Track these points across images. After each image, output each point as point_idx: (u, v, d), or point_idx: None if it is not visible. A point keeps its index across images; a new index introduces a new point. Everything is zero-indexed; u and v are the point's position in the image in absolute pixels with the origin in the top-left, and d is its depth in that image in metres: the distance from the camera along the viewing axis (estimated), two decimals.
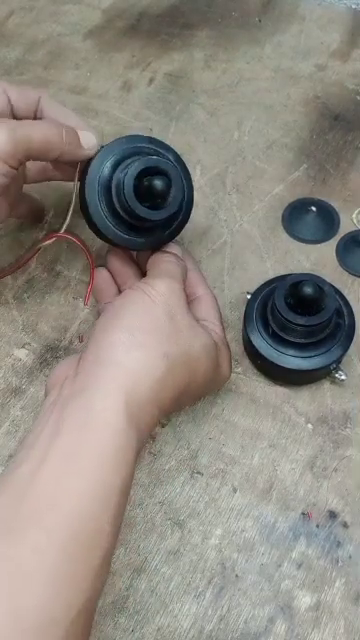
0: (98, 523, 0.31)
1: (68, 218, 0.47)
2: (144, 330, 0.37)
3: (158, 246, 0.46)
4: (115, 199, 0.43)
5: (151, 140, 0.45)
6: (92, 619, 0.31)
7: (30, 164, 0.49)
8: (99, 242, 0.47)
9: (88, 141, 0.43)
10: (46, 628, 0.28)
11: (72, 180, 0.47)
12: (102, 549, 0.31)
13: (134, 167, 0.42)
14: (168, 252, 0.45)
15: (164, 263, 0.43)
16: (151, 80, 0.68)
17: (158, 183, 0.41)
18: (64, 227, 0.48)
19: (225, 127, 0.63)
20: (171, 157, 0.45)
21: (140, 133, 0.45)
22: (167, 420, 0.46)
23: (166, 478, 0.43)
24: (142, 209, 0.42)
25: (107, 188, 0.43)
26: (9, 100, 0.45)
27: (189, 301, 0.45)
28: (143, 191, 0.42)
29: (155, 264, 0.44)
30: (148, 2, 0.77)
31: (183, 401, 0.40)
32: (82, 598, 0.30)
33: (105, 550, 0.31)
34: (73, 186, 0.45)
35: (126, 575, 0.40)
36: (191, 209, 0.46)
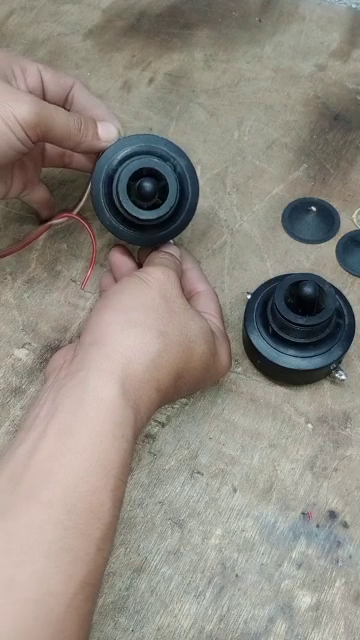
0: (96, 497, 0.31)
1: (82, 201, 0.48)
2: (139, 310, 0.38)
3: (151, 244, 0.46)
4: (114, 191, 0.44)
5: (167, 143, 0.45)
6: (95, 596, 0.31)
7: (50, 147, 0.50)
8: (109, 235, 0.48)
9: (108, 133, 0.45)
10: (43, 600, 0.28)
11: (87, 171, 0.49)
12: (103, 522, 0.31)
13: (133, 165, 0.43)
14: (164, 251, 0.46)
15: (159, 258, 0.44)
16: (151, 80, 0.68)
17: (147, 185, 0.42)
18: (77, 209, 0.49)
19: (225, 127, 0.63)
20: (183, 163, 0.45)
21: (158, 134, 0.46)
22: (167, 420, 0.46)
23: (166, 478, 0.43)
24: (130, 205, 0.43)
25: (110, 179, 0.44)
26: (42, 81, 0.46)
27: (189, 297, 0.45)
28: (135, 190, 0.43)
29: (150, 259, 0.45)
30: (148, 2, 0.77)
31: (181, 387, 0.40)
32: (83, 571, 0.30)
33: (106, 524, 0.31)
34: (91, 171, 0.46)
35: (126, 575, 0.40)
36: (192, 216, 0.46)
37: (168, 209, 0.43)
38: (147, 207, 0.43)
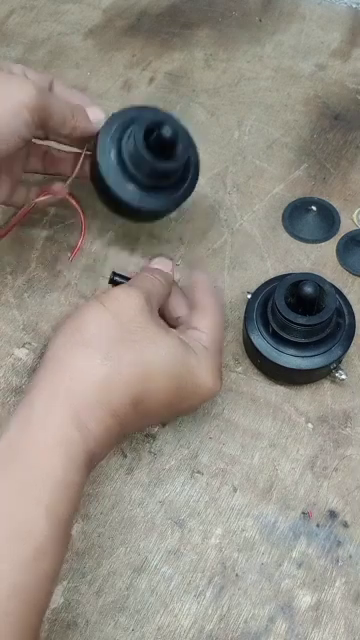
0: (28, 512, 0.32)
1: (69, 181, 0.49)
2: (89, 332, 0.37)
3: (165, 208, 0.48)
4: (126, 156, 0.45)
5: (157, 110, 0.48)
6: (38, 609, 0.31)
7: (33, 148, 0.51)
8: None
9: (97, 115, 0.47)
10: None
11: (67, 175, 0.50)
12: (34, 538, 0.31)
13: (143, 120, 0.45)
14: (152, 268, 0.45)
15: (137, 278, 0.43)
16: (151, 79, 0.68)
17: (167, 130, 0.44)
18: (64, 186, 0.50)
19: (225, 126, 0.63)
20: (179, 125, 0.47)
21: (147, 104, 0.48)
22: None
23: (166, 477, 0.43)
24: (150, 156, 0.44)
25: (118, 150, 0.46)
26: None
27: (191, 311, 0.44)
28: (153, 143, 0.44)
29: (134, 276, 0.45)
30: (148, 1, 0.77)
31: (147, 411, 0.38)
32: (13, 574, 0.30)
33: (39, 540, 0.31)
34: (81, 155, 0.48)
35: (126, 574, 0.40)
36: (198, 174, 0.48)
37: (186, 158, 0.45)
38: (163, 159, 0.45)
